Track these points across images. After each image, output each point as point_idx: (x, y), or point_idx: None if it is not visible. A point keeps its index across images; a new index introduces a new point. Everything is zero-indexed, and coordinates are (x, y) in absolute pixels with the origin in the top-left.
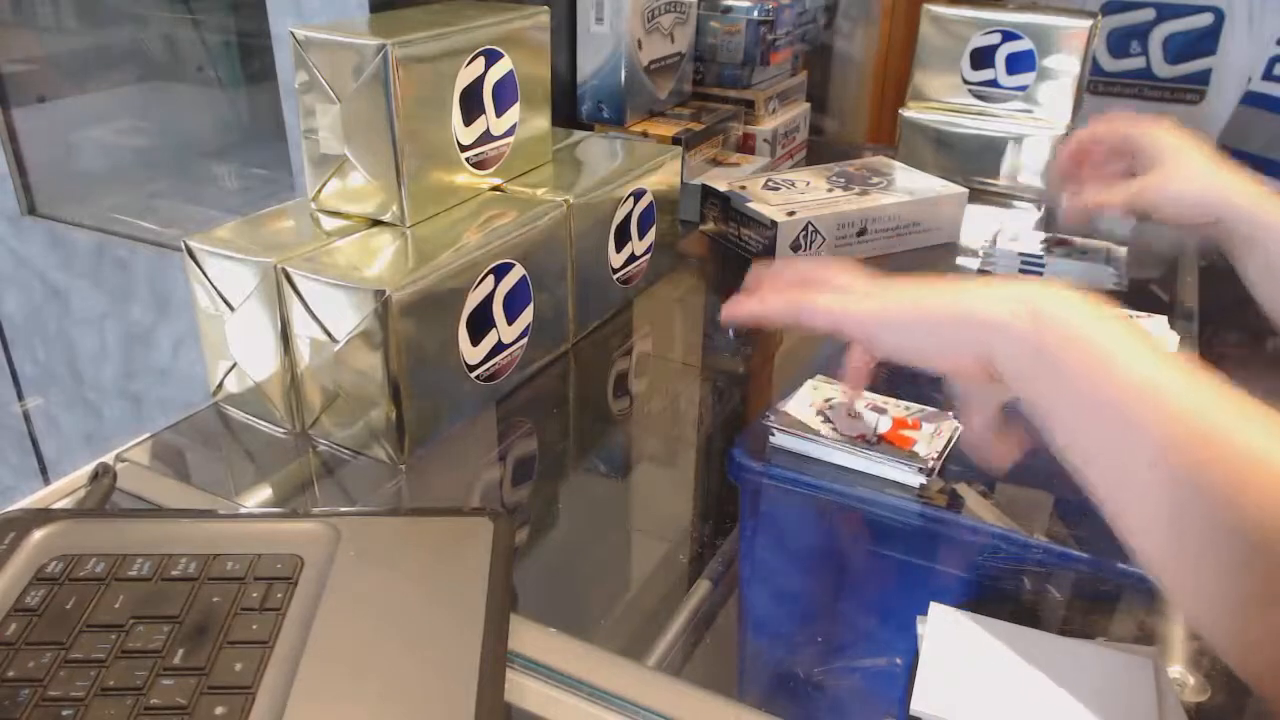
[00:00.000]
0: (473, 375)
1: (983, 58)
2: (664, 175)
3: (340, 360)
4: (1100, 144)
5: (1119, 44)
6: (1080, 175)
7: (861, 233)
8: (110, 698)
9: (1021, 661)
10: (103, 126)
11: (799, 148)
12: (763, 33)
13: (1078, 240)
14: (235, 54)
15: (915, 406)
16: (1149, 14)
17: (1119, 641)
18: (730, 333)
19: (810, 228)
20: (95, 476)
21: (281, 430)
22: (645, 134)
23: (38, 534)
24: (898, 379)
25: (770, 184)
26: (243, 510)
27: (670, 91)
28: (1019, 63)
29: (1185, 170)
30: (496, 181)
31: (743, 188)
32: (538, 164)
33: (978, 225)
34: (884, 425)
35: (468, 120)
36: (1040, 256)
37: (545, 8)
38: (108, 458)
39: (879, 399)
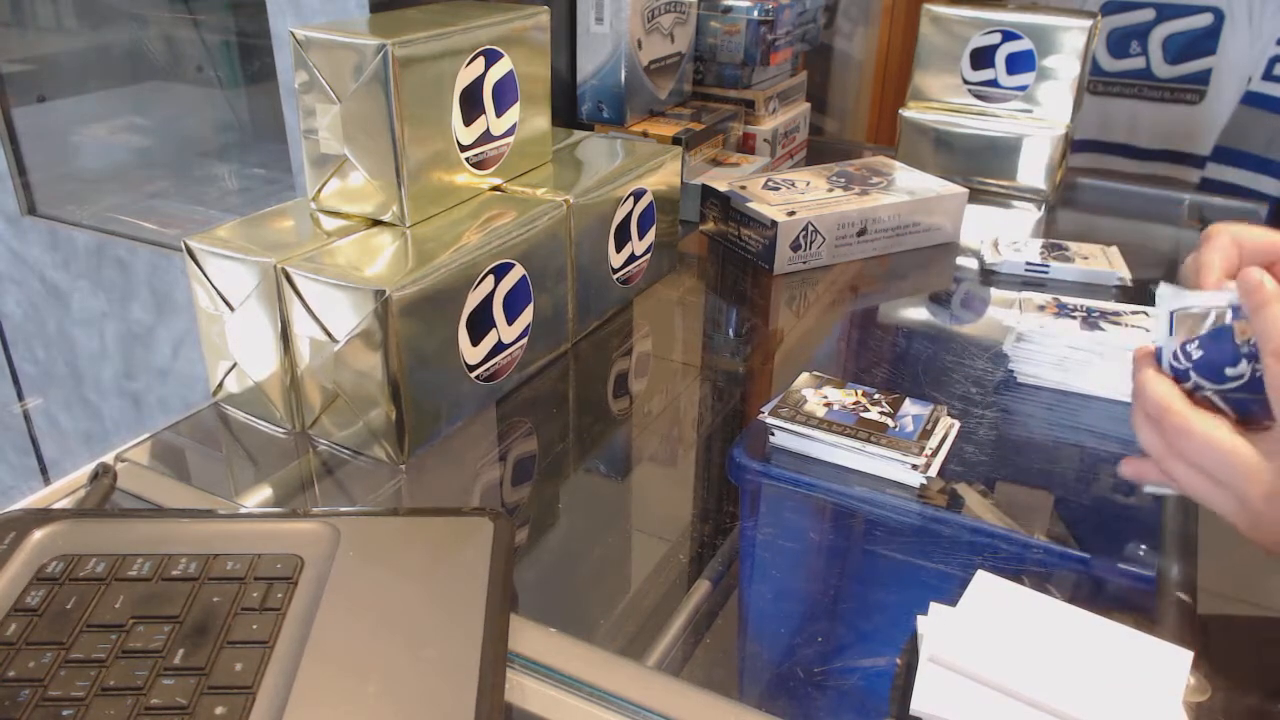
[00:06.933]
0: (473, 375)
1: (983, 58)
2: (664, 175)
3: (340, 360)
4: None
5: (1119, 44)
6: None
7: (861, 233)
8: (110, 698)
9: (1021, 661)
10: (103, 126)
11: (799, 148)
12: (763, 33)
13: (1073, 245)
14: (235, 54)
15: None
16: (1149, 14)
17: None
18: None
19: (810, 228)
20: (95, 476)
21: (281, 430)
22: (645, 134)
23: (38, 534)
24: (898, 377)
25: (770, 184)
26: (243, 510)
27: (670, 91)
28: (1019, 63)
29: None
30: (496, 181)
31: (743, 188)
32: (538, 164)
33: (978, 225)
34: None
35: (468, 120)
36: (1045, 265)
37: (545, 8)
38: (108, 458)
39: (875, 393)
